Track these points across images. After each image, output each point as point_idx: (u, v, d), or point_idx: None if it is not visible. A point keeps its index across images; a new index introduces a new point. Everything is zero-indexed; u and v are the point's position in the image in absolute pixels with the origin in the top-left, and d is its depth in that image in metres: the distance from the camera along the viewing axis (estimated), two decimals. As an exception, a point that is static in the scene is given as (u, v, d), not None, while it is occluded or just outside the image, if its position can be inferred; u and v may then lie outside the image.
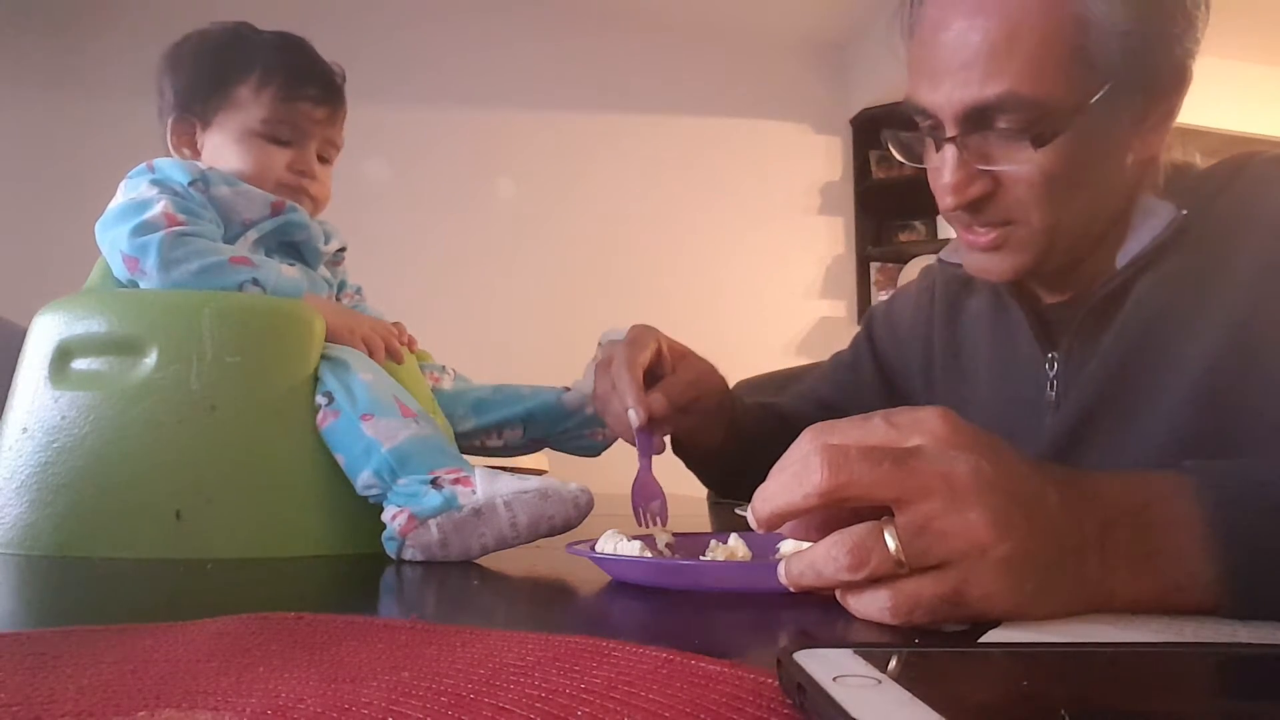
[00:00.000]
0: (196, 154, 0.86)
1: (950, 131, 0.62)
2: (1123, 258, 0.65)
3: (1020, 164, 0.60)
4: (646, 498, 0.64)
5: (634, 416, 0.67)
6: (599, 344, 0.80)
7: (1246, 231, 0.61)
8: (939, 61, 0.61)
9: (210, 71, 0.85)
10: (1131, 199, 0.66)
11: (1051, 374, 0.71)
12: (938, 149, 0.64)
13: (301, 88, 0.85)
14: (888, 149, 0.69)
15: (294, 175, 0.85)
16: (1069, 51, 0.58)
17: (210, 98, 0.85)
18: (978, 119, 0.61)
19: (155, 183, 0.78)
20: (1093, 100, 0.59)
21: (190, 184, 0.79)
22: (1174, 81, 0.63)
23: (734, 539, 0.54)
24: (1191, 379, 0.61)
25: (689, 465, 0.91)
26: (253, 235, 0.82)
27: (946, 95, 0.61)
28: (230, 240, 0.80)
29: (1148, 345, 0.64)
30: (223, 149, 0.85)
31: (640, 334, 0.73)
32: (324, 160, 0.90)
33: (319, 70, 0.87)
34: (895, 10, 0.68)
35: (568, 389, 0.88)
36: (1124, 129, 0.63)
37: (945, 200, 0.64)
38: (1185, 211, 0.62)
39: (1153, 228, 0.64)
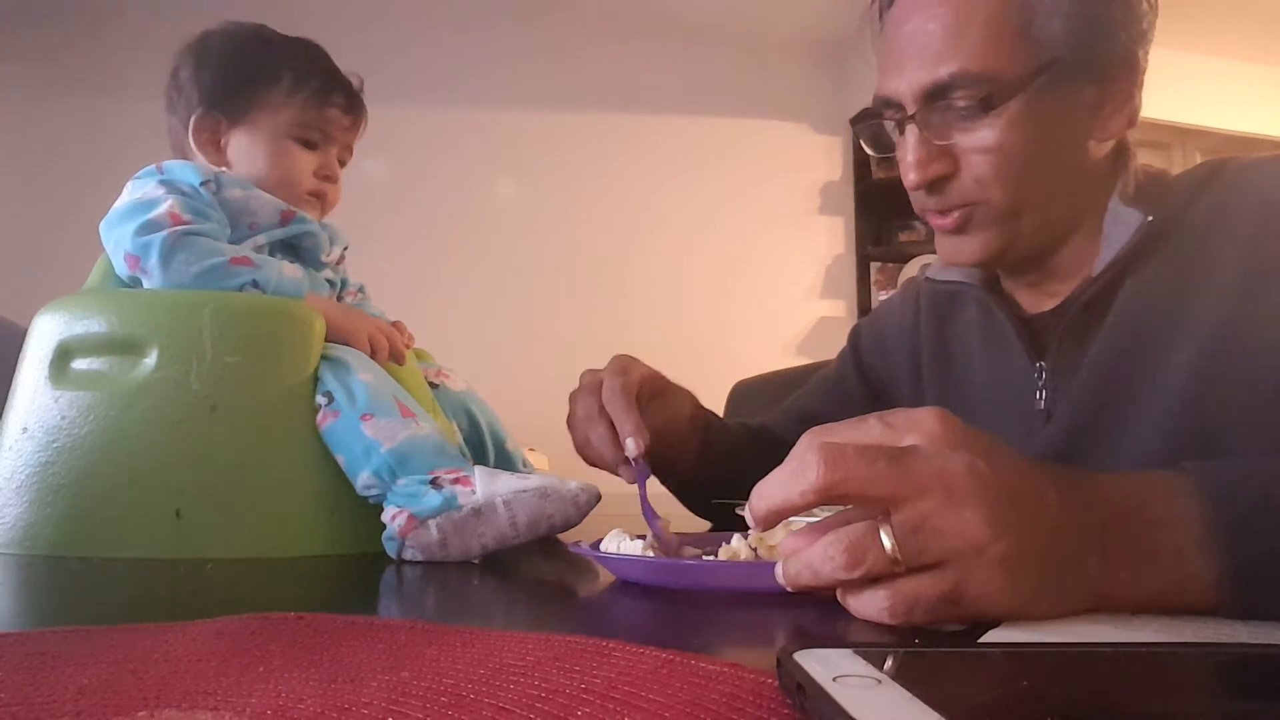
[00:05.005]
0: (220, 151, 0.86)
1: (911, 111, 0.67)
2: (1098, 266, 0.67)
3: (976, 136, 0.65)
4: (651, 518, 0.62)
5: (632, 445, 0.66)
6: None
7: (1224, 236, 0.63)
8: (901, 52, 0.67)
9: (240, 70, 0.85)
10: (1102, 201, 0.68)
11: (1040, 383, 0.72)
12: (901, 133, 0.68)
13: (331, 94, 0.86)
14: (861, 142, 0.75)
15: (319, 180, 0.87)
16: (1014, 31, 0.64)
17: (238, 97, 0.84)
18: (935, 97, 0.65)
19: (163, 183, 0.78)
20: (1038, 74, 0.63)
21: (202, 184, 0.79)
22: (1123, 68, 0.66)
23: (736, 539, 0.54)
24: (1178, 384, 0.62)
25: (671, 490, 0.90)
26: (261, 239, 0.82)
27: (908, 80, 0.66)
28: (236, 242, 0.80)
29: (1133, 352, 0.65)
30: (253, 149, 0.84)
31: (626, 363, 0.73)
32: (340, 164, 0.91)
33: (343, 78, 0.89)
34: (865, 17, 0.75)
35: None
36: (1080, 114, 0.66)
37: (909, 178, 0.68)
38: (1151, 218, 0.65)
39: (1121, 235, 0.66)
